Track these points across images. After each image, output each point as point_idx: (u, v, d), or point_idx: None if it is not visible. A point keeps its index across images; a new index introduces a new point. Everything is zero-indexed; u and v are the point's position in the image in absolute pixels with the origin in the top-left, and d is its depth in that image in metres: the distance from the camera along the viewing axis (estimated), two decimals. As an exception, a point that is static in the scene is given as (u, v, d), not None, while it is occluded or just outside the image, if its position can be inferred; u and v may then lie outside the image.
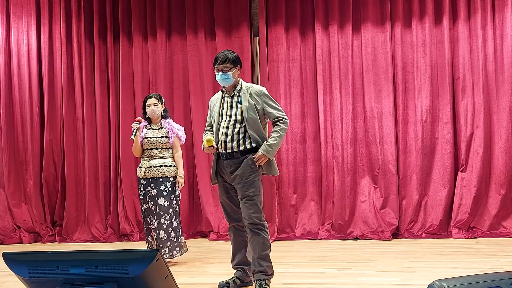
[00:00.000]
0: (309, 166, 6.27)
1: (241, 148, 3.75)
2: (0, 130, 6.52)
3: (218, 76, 3.80)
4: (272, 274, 3.79)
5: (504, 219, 5.84)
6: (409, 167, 6.08)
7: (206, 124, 4.04)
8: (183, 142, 4.98)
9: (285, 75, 6.34)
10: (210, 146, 3.80)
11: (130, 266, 2.12)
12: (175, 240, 4.83)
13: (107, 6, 6.63)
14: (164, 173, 4.75)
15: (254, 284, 3.76)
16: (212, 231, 6.36)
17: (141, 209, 4.90)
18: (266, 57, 6.37)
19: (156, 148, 4.79)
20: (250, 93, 3.80)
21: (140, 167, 4.84)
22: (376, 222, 5.99)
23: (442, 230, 5.94)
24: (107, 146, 6.64)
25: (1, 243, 6.42)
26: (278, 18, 6.37)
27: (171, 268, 2.46)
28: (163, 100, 4.95)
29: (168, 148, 4.84)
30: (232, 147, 3.75)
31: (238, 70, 3.86)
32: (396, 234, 6.01)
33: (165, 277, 2.26)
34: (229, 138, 3.76)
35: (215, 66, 3.80)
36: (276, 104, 3.85)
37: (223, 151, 3.78)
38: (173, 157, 4.85)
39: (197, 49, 6.52)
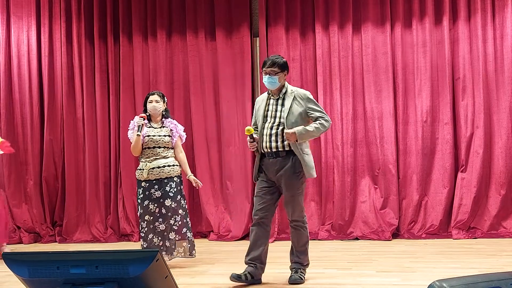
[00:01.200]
0: (309, 166, 6.26)
1: (286, 148, 3.92)
2: (0, 130, 6.52)
3: (265, 79, 3.97)
4: (307, 264, 4.11)
5: (504, 219, 5.84)
6: (409, 168, 6.07)
7: (251, 123, 4.19)
8: (183, 142, 4.97)
9: (285, 75, 6.33)
10: (251, 140, 3.91)
11: (130, 266, 2.13)
12: (192, 239, 4.78)
13: (107, 6, 6.62)
14: (169, 173, 4.68)
15: (291, 271, 4.05)
16: (212, 231, 6.36)
17: (138, 213, 4.70)
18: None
19: (159, 147, 4.69)
20: (295, 97, 3.98)
21: (141, 169, 4.68)
22: (376, 223, 5.99)
23: (442, 230, 5.94)
24: (107, 146, 6.63)
25: (1, 243, 6.42)
26: (278, 18, 6.37)
27: (171, 269, 2.45)
28: (165, 99, 4.89)
29: (170, 148, 4.77)
30: (277, 147, 3.93)
31: (285, 75, 4.03)
32: (396, 235, 6.00)
33: (165, 277, 2.26)
34: (273, 138, 3.93)
35: (264, 69, 3.99)
36: (319, 107, 4.02)
37: (269, 150, 3.95)
38: (175, 157, 4.79)
39: (198, 49, 6.52)
